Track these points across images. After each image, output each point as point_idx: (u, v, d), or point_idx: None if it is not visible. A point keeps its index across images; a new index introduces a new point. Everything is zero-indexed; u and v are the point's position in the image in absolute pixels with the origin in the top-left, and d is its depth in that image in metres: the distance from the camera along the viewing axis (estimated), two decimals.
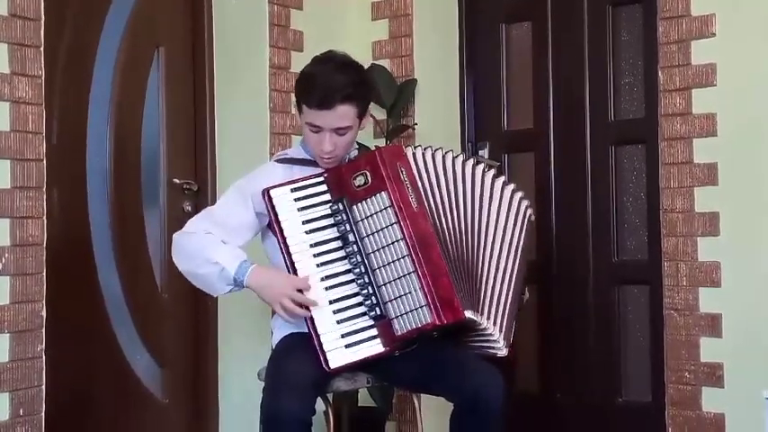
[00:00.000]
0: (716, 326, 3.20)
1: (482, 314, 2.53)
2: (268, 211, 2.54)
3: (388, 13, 4.00)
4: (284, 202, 2.53)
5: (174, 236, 2.66)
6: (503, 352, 2.58)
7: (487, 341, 2.57)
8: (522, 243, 2.66)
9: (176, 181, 3.58)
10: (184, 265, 2.62)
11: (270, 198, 2.53)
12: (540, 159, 3.66)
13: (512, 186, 2.71)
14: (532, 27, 3.71)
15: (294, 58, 3.68)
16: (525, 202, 2.72)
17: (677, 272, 3.27)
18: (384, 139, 3.82)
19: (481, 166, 2.68)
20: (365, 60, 3.96)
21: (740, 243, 3.17)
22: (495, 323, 2.55)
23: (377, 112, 3.90)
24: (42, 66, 2.91)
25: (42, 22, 2.92)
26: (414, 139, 3.85)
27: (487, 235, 2.60)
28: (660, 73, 3.31)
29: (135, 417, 3.43)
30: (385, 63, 3.96)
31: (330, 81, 2.51)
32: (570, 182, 3.58)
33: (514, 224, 2.67)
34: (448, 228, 2.55)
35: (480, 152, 3.80)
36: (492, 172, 2.69)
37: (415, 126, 3.89)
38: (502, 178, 2.71)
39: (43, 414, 2.88)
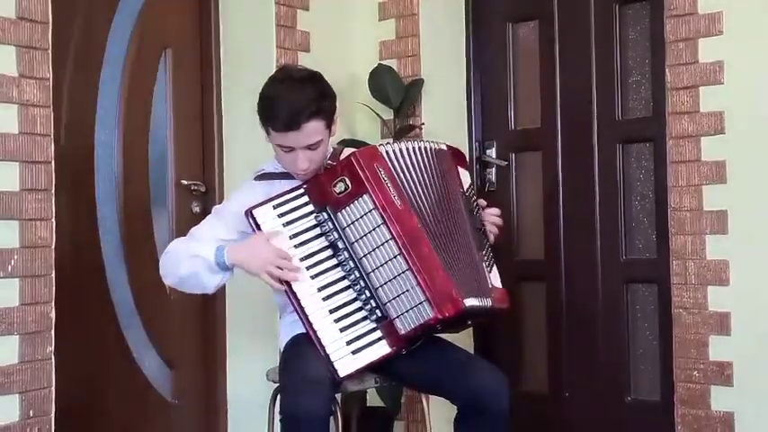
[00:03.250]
0: (725, 324, 3.19)
1: (477, 296, 2.52)
2: (254, 230, 2.54)
3: (394, 13, 4.00)
4: (268, 219, 2.53)
5: (160, 260, 2.67)
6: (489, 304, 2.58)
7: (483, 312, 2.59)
8: (449, 191, 2.62)
9: (184, 182, 3.59)
10: (170, 277, 2.63)
11: (254, 218, 2.53)
12: (547, 158, 3.66)
13: (443, 147, 2.71)
14: (539, 26, 3.70)
15: (301, 58, 3.68)
16: (439, 146, 2.69)
17: (685, 270, 3.26)
18: (392, 139, 3.82)
19: (443, 146, 2.70)
20: (372, 60, 3.98)
21: (749, 241, 3.16)
22: (486, 296, 2.56)
23: (384, 112, 3.90)
24: (50, 68, 2.91)
25: (50, 24, 2.92)
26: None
27: (455, 212, 2.61)
28: (667, 71, 3.30)
29: (144, 418, 3.44)
30: (392, 63, 3.97)
31: (293, 101, 2.49)
32: (578, 181, 3.58)
33: (446, 182, 2.64)
34: (430, 218, 2.55)
35: (488, 151, 3.80)
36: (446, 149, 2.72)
37: (422, 126, 3.89)
38: (444, 146, 2.71)
39: (53, 415, 2.89)
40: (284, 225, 2.53)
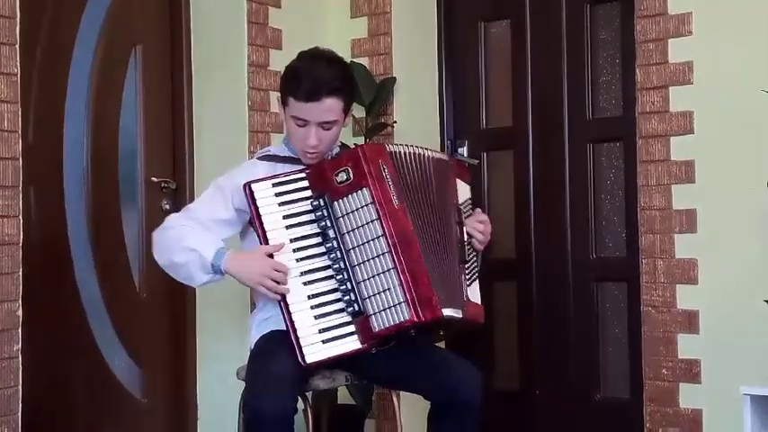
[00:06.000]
0: (693, 322, 3.22)
1: (454, 306, 2.53)
2: (248, 204, 2.53)
3: (366, 11, 4.00)
4: (265, 196, 2.53)
5: (153, 233, 2.67)
6: (460, 315, 2.57)
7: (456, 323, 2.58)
8: (444, 201, 2.64)
9: (154, 179, 3.56)
10: (163, 257, 2.62)
11: (251, 192, 2.52)
12: (518, 157, 3.67)
13: (444, 157, 2.74)
14: (511, 25, 3.72)
15: (273, 55, 3.67)
16: (442, 156, 2.72)
17: (655, 269, 3.28)
18: (363, 137, 3.82)
19: (445, 157, 2.73)
20: (344, 58, 3.96)
21: (717, 240, 3.19)
22: (460, 308, 2.55)
23: (356, 110, 3.87)
24: (18, 64, 2.88)
25: (18, 19, 2.88)
26: (392, 138, 3.85)
27: (445, 222, 2.61)
28: (638, 71, 3.32)
29: (113, 417, 3.41)
30: (364, 61, 3.96)
31: (319, 74, 2.55)
32: (548, 179, 3.59)
33: (442, 191, 2.65)
34: (424, 224, 2.55)
35: (459, 150, 3.81)
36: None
37: (394, 124, 3.89)
38: (445, 156, 2.74)
39: (20, 414, 2.85)
40: (279, 205, 2.53)
